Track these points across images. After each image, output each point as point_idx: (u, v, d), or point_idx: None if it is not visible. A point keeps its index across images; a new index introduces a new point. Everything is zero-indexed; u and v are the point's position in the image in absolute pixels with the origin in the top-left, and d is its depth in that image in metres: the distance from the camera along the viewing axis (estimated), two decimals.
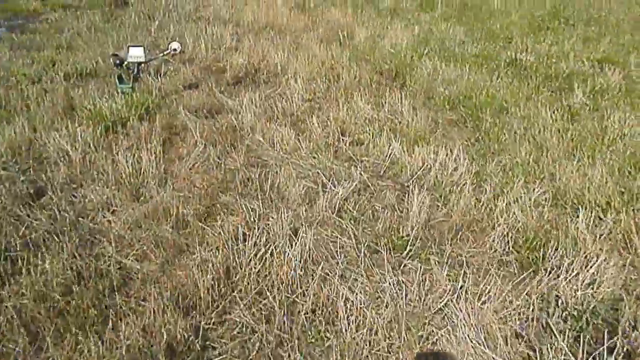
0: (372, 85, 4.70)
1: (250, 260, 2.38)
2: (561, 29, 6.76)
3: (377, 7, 8.02)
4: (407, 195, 2.97)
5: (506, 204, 2.80)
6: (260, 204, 2.85)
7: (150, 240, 2.54)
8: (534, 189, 2.97)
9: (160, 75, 4.73)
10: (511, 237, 2.59)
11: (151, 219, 2.70)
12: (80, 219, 2.70)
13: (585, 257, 2.36)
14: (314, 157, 3.40)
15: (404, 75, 4.95)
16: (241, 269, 2.34)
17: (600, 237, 2.55)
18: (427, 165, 3.23)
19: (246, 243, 2.46)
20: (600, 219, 2.73)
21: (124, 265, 2.39)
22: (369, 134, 3.71)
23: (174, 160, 3.36)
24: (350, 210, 2.84)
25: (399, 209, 2.87)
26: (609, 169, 3.20)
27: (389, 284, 2.29)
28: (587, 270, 2.27)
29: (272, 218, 2.69)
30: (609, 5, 7.99)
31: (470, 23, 7.18)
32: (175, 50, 4.99)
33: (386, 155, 3.41)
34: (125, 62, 4.61)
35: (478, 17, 7.52)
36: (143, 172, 3.10)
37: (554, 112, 4.08)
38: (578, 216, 2.68)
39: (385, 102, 4.22)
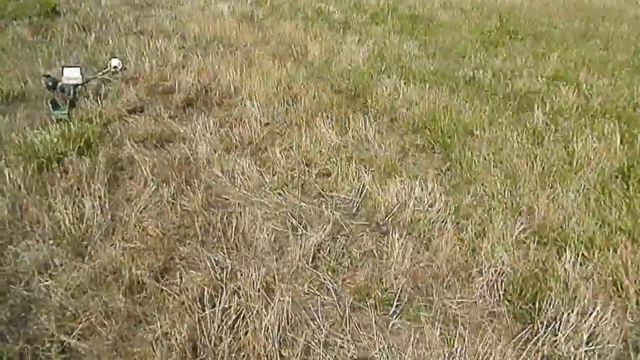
0: (332, 107, 4.46)
1: (221, 329, 2.07)
2: (511, 44, 6.84)
3: (328, 20, 7.83)
4: (385, 236, 2.77)
5: (490, 245, 2.65)
6: (226, 256, 2.54)
7: (99, 310, 2.16)
8: (514, 224, 2.85)
9: (100, 98, 4.25)
10: (500, 283, 2.43)
11: (99, 281, 2.33)
12: (10, 286, 2.28)
13: (581, 306, 2.23)
14: (280, 194, 3.12)
15: (364, 95, 4.76)
16: (210, 342, 2.03)
17: (589, 280, 2.44)
18: (402, 201, 3.03)
19: (214, 309, 2.15)
20: (585, 257, 2.63)
21: (67, 346, 2.01)
22: (336, 164, 3.47)
23: (122, 203, 2.96)
24: (326, 259, 2.58)
25: (378, 254, 2.65)
26: (584, 198, 3.14)
27: (379, 349, 2.06)
28: (584, 322, 2.15)
29: (242, 274, 2.39)
30: (552, 19, 8.21)
31: (422, 37, 7.13)
32: (115, 67, 4.54)
33: (357, 190, 3.18)
34: (59, 84, 4.13)
35: (429, 30, 7.51)
36: (86, 221, 2.70)
37: (518, 134, 4.01)
38: (563, 256, 2.57)
39: (349, 127, 4.00)
